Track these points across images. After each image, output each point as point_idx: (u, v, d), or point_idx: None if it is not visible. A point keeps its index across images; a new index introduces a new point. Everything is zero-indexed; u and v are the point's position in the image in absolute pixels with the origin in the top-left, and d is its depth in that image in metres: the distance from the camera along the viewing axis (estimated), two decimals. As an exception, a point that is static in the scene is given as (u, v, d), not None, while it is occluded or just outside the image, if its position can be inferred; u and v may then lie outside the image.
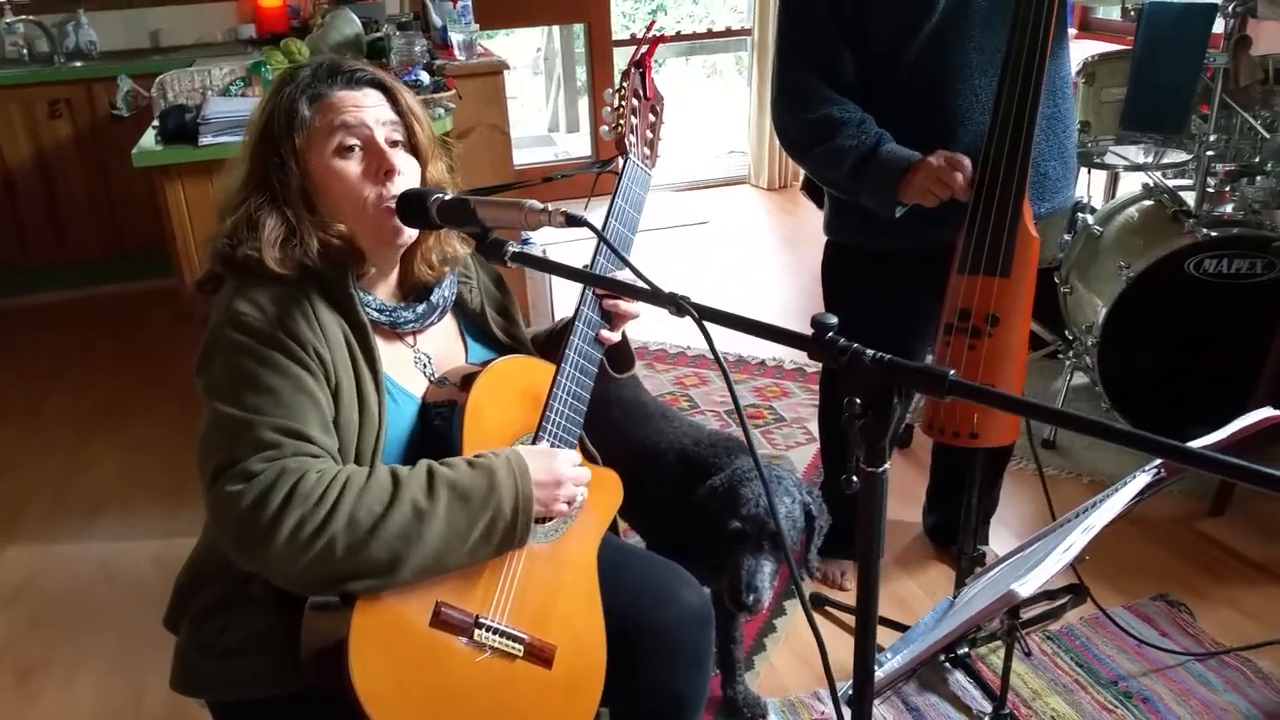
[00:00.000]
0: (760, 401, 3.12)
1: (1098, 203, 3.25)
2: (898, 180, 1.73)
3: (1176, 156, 2.85)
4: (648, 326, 1.78)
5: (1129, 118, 2.69)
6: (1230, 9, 2.51)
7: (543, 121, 6.90)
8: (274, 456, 1.09)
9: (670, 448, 1.78)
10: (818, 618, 2.16)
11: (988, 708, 1.87)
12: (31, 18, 4.25)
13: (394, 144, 1.23)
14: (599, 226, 1.29)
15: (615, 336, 1.36)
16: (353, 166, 1.20)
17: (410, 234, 1.23)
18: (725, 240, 4.67)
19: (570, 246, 4.15)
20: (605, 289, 1.30)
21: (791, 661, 2.05)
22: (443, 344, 1.34)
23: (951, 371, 0.82)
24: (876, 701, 1.92)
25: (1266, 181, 2.65)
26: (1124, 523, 2.41)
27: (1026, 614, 2.10)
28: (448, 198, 1.14)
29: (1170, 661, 2.01)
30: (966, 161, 1.69)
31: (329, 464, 1.13)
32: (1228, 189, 2.62)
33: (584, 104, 5.83)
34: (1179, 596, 2.19)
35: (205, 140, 2.54)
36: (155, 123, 2.70)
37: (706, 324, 0.94)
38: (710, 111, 6.87)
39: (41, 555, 2.54)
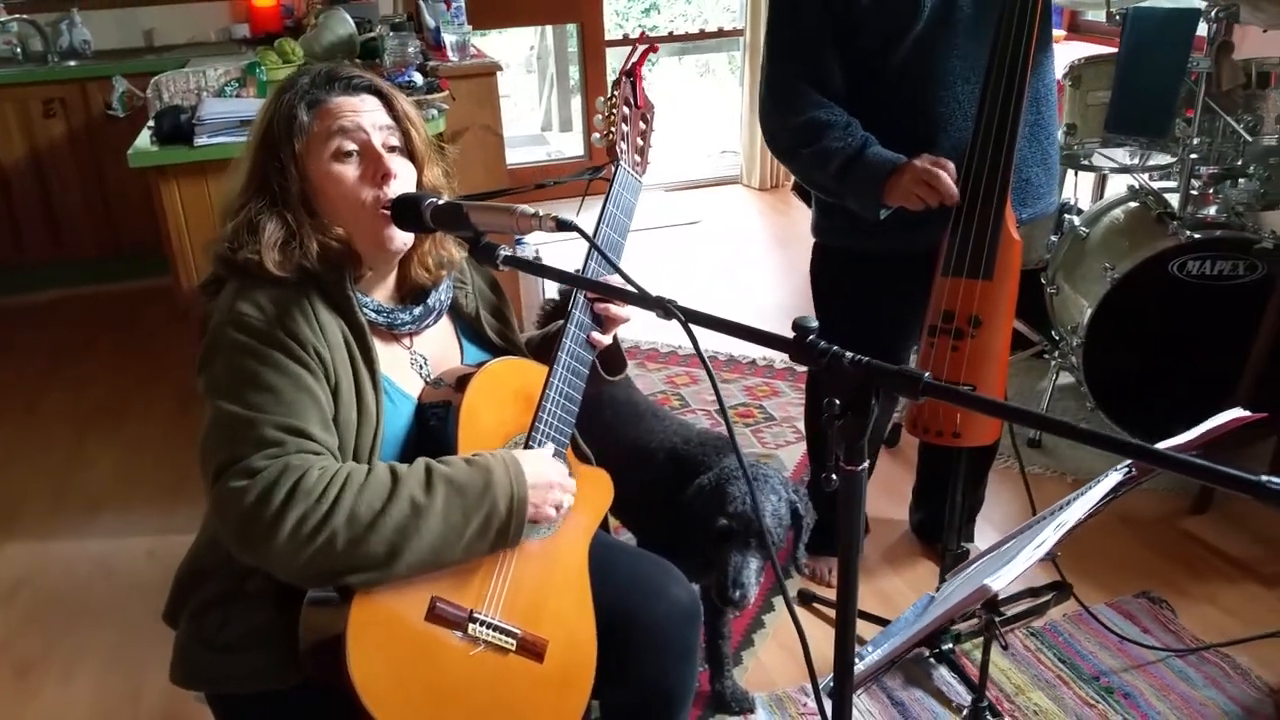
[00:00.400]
0: (750, 401, 3.15)
1: (1085, 204, 3.29)
2: (883, 183, 1.76)
3: (1161, 159, 2.88)
4: (639, 326, 1.81)
5: (1114, 121, 2.73)
6: (1213, 14, 2.54)
7: (536, 120, 6.92)
8: (277, 454, 1.12)
9: (661, 446, 1.81)
10: (805, 613, 2.20)
11: (969, 701, 1.91)
12: (25, 16, 4.26)
13: (390, 148, 1.26)
14: (591, 231, 1.32)
15: (606, 339, 1.39)
16: (350, 170, 1.23)
17: (406, 239, 1.26)
18: (716, 240, 4.70)
19: (563, 249, 4.17)
20: (595, 292, 1.33)
21: (780, 657, 2.08)
22: (438, 346, 1.37)
23: (927, 374, 0.85)
24: (862, 695, 1.95)
25: (1249, 184, 2.69)
26: (1109, 520, 2.47)
27: (1011, 610, 2.15)
28: (441, 202, 1.17)
29: (1151, 657, 2.04)
30: (950, 166, 1.72)
31: (329, 461, 1.16)
32: (1211, 191, 2.66)
33: (577, 103, 5.85)
34: (1161, 593, 2.22)
35: (200, 141, 2.56)
36: (150, 123, 2.72)
37: (693, 326, 0.97)
38: (703, 111, 6.90)
39: (40, 552, 2.56)
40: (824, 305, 2.14)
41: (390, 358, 1.29)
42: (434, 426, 1.27)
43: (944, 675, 2.00)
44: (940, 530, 2.11)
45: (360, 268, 1.27)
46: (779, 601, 2.23)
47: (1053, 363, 2.98)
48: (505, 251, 1.11)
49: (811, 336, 0.89)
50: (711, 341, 3.17)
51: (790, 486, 1.70)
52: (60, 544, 2.59)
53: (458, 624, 1.20)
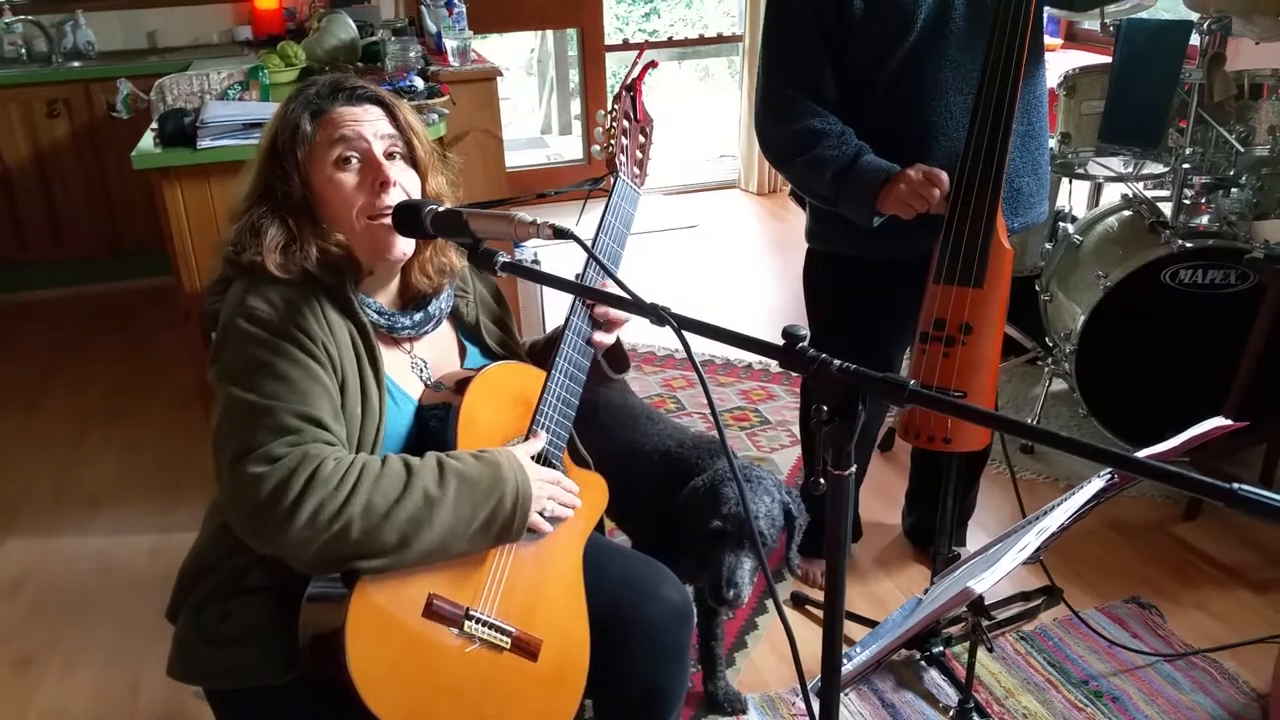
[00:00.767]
0: (746, 404, 3.17)
1: (1080, 212, 3.32)
2: (876, 191, 1.79)
3: (1155, 168, 2.91)
4: (636, 331, 1.84)
5: (1107, 131, 2.76)
6: (1205, 26, 2.57)
7: (535, 123, 6.95)
8: (296, 441, 1.15)
9: (655, 449, 1.83)
10: (798, 615, 2.22)
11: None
12: (29, 17, 4.29)
13: (392, 156, 1.29)
14: (590, 240, 1.36)
15: (609, 339, 1.41)
16: (350, 178, 1.26)
17: (406, 246, 1.28)
18: (714, 244, 4.73)
19: (563, 253, 4.20)
20: (592, 299, 1.35)
21: (772, 659, 2.10)
22: (439, 351, 1.40)
23: (912, 381, 0.87)
24: (854, 697, 1.98)
25: (1241, 194, 2.72)
26: (1100, 527, 2.50)
27: (1002, 614, 2.17)
28: (441, 209, 1.20)
29: (1140, 662, 2.07)
30: (944, 176, 1.75)
31: (344, 452, 1.19)
32: (1204, 201, 2.69)
33: (577, 107, 5.88)
34: (1151, 599, 2.25)
35: (203, 144, 2.58)
36: (154, 125, 2.74)
37: (685, 333, 0.99)
38: (702, 115, 6.93)
39: (40, 549, 2.58)
40: (817, 310, 2.16)
41: (392, 360, 1.32)
42: (433, 428, 1.30)
43: (934, 678, 2.02)
44: (932, 534, 2.14)
45: (362, 272, 1.29)
46: (772, 604, 2.25)
47: (1046, 369, 3.00)
48: (504, 258, 1.13)
49: (801, 344, 0.92)
50: (708, 346, 3.20)
51: (783, 488, 1.72)
52: (61, 541, 2.61)
53: (454, 621, 1.22)
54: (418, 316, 1.35)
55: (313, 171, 1.26)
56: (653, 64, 1.48)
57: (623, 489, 1.51)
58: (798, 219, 4.41)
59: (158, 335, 3.86)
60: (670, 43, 6.16)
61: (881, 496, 2.59)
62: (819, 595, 2.26)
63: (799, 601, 2.26)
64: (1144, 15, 2.80)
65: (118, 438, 3.12)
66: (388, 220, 1.23)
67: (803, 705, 1.96)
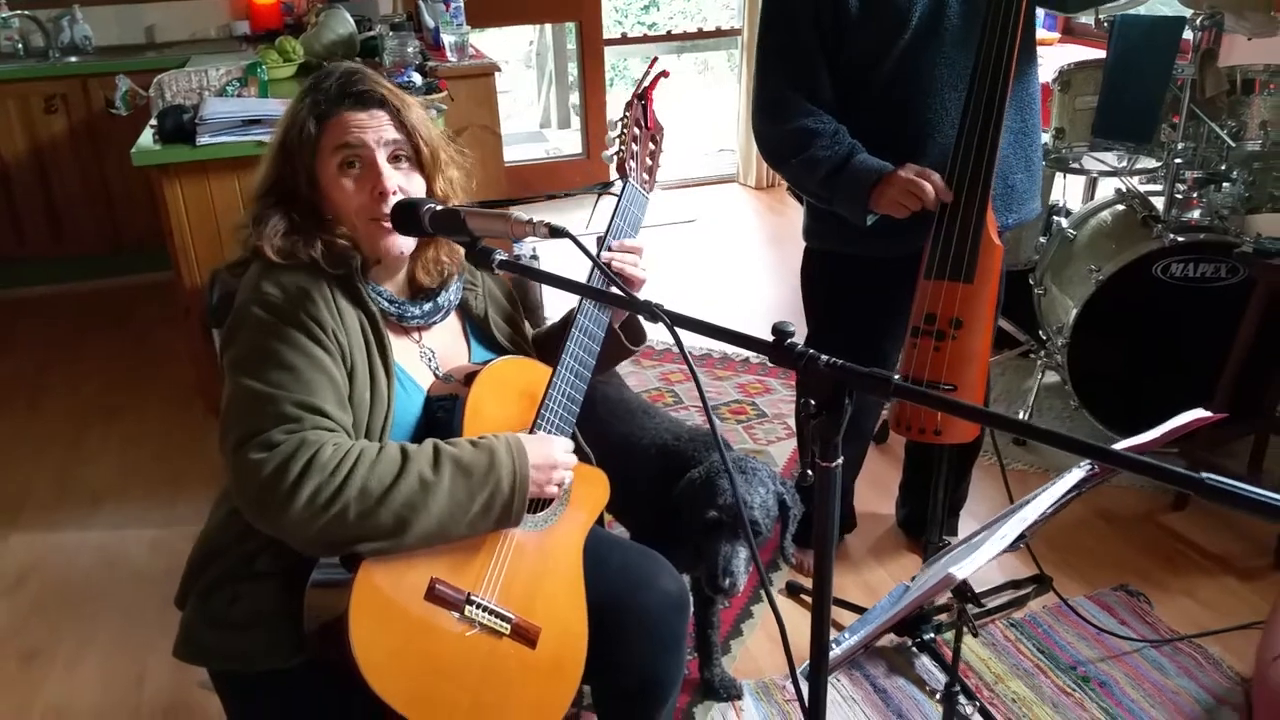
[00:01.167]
0: (744, 398, 3.20)
1: (1076, 206, 3.34)
2: (869, 190, 1.81)
3: (1148, 163, 2.94)
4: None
5: (1100, 127, 2.78)
6: (1198, 22, 2.60)
7: (535, 117, 6.96)
8: (294, 429, 1.18)
9: (652, 443, 1.86)
10: (792, 603, 2.25)
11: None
12: (27, 12, 4.30)
13: (397, 159, 1.31)
14: (600, 242, 1.40)
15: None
16: (352, 183, 1.30)
17: (405, 245, 1.31)
18: (712, 238, 4.75)
19: (566, 250, 4.22)
20: (589, 297, 1.38)
21: (767, 646, 2.14)
22: (447, 342, 1.44)
23: (896, 376, 0.90)
24: (847, 682, 2.01)
25: (1233, 188, 2.74)
26: (1090, 516, 2.53)
27: (993, 602, 2.21)
28: (440, 208, 1.23)
29: (1127, 648, 2.10)
30: (936, 176, 1.78)
31: (344, 438, 1.22)
32: (1196, 195, 2.72)
33: (575, 100, 5.89)
34: (1139, 587, 2.28)
35: (202, 140, 2.60)
36: (153, 122, 2.76)
37: (680, 329, 1.02)
38: (701, 108, 6.94)
39: (43, 543, 2.61)
40: (814, 308, 2.19)
41: (401, 348, 1.36)
42: (440, 419, 1.33)
43: (925, 664, 2.06)
44: (925, 524, 2.17)
45: (370, 262, 1.33)
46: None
47: (1039, 362, 3.03)
48: (501, 256, 1.16)
49: (790, 339, 0.95)
50: (707, 341, 3.23)
51: (778, 479, 1.75)
52: (63, 536, 2.64)
53: (455, 605, 1.25)
54: (427, 306, 1.38)
55: (319, 171, 1.30)
56: (664, 74, 1.52)
57: (621, 482, 1.54)
58: (796, 214, 4.43)
59: (157, 331, 3.88)
60: (669, 37, 6.17)
61: (876, 488, 2.62)
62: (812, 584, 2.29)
63: (794, 590, 2.29)
64: (1138, 11, 2.82)
65: (117, 433, 3.15)
66: (388, 223, 1.26)
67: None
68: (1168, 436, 1.15)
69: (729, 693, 1.98)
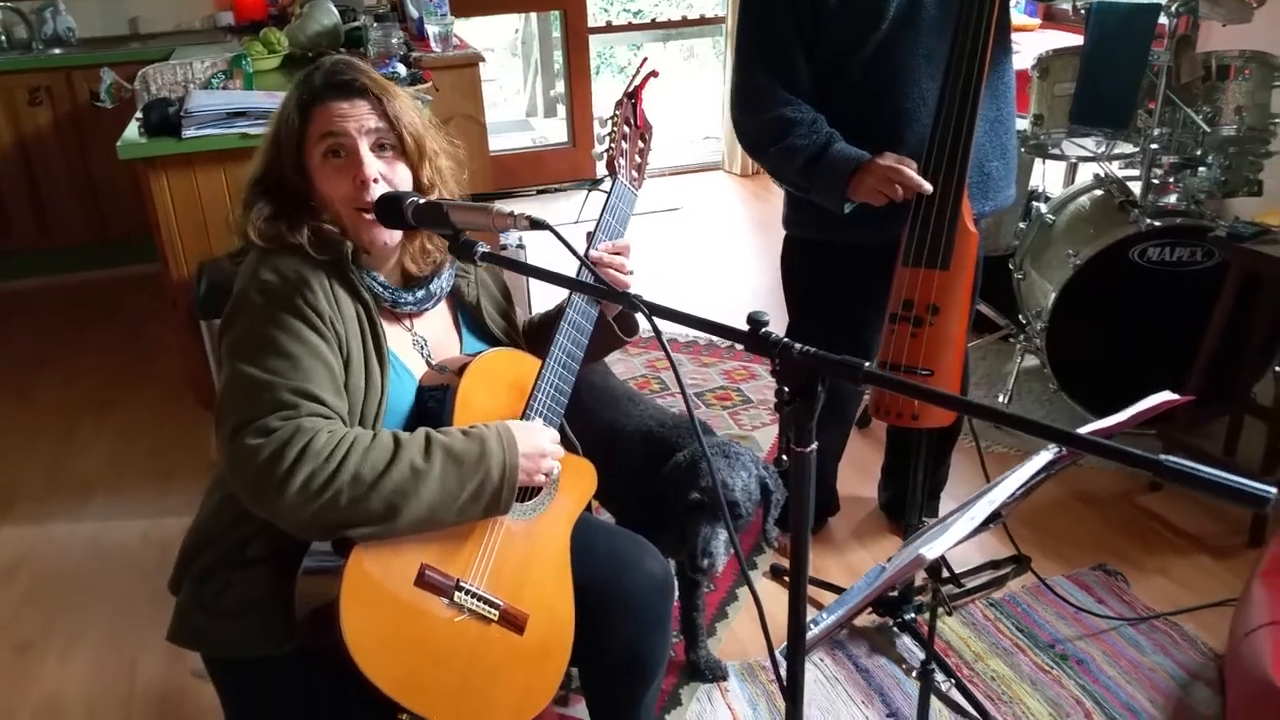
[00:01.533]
0: (729, 384, 3.24)
1: (1056, 191, 3.38)
2: (847, 179, 1.84)
3: (1126, 148, 2.97)
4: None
5: (1078, 114, 2.81)
6: (1173, 9, 2.63)
7: (520, 105, 6.96)
8: (290, 415, 1.21)
9: (637, 429, 1.89)
10: (776, 585, 2.30)
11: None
12: (9, 4, 4.28)
13: (382, 148, 1.33)
14: (589, 237, 1.42)
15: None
16: (336, 171, 1.31)
17: (391, 235, 1.34)
18: (698, 226, 4.77)
19: (552, 243, 4.23)
20: (571, 289, 1.40)
21: (752, 628, 2.18)
22: (438, 330, 1.46)
23: (867, 364, 0.93)
24: (830, 662, 2.05)
25: (1209, 173, 2.79)
26: (1068, 498, 2.58)
27: (972, 582, 2.26)
28: (422, 201, 1.25)
29: (1104, 626, 2.15)
30: (913, 165, 1.80)
31: (339, 425, 1.25)
32: (1172, 180, 2.76)
33: (561, 88, 5.89)
34: (1116, 566, 2.33)
35: (188, 133, 2.61)
36: (139, 115, 2.76)
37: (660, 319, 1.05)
38: (686, 96, 6.95)
39: (35, 535, 2.63)
40: (794, 295, 2.22)
41: (394, 335, 1.38)
42: (431, 408, 1.36)
43: (906, 643, 2.10)
44: (906, 506, 2.21)
45: (361, 251, 1.36)
46: (753, 575, 2.32)
47: (1018, 346, 3.08)
48: (483, 248, 1.19)
49: (765, 329, 0.98)
50: (688, 327, 3.26)
51: (761, 464, 1.78)
52: (55, 527, 2.66)
53: (444, 591, 1.28)
54: (420, 293, 1.41)
55: (306, 160, 1.33)
56: (654, 74, 1.54)
57: (606, 468, 1.56)
58: (780, 201, 4.46)
59: (146, 322, 3.89)
60: (654, 25, 6.17)
61: (859, 471, 2.67)
62: (798, 568, 2.33)
63: (778, 573, 2.33)
64: (1113, -2, 2.85)
65: (108, 425, 3.16)
66: (370, 214, 1.29)
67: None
68: (1136, 419, 1.18)
69: (714, 674, 2.02)
